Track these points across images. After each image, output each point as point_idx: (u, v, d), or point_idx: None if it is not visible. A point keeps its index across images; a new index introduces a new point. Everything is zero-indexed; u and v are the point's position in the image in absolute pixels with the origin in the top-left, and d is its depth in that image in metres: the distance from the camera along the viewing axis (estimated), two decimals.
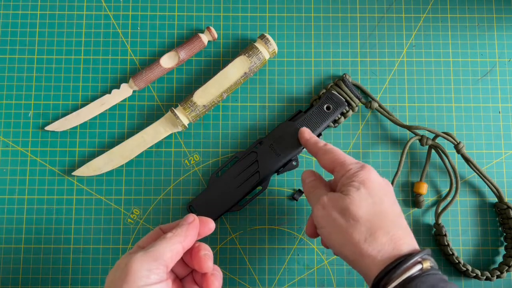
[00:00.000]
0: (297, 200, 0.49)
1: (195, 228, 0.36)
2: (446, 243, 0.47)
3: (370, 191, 0.37)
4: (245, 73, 0.48)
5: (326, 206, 0.38)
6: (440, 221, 0.48)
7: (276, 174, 0.48)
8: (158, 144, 0.50)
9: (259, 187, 0.47)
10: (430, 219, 0.49)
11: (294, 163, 0.47)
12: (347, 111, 0.49)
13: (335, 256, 0.48)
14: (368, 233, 0.35)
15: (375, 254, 0.34)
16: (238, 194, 0.46)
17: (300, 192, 0.49)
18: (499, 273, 0.46)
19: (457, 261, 0.46)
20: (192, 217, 0.37)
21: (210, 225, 0.38)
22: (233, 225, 0.49)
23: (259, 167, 0.46)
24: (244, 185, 0.46)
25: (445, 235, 0.47)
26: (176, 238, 0.35)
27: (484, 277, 0.46)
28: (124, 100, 0.50)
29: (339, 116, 0.49)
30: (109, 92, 0.50)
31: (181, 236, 0.35)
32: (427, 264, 0.34)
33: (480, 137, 0.51)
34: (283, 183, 0.50)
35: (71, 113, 0.49)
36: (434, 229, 0.48)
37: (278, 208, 0.49)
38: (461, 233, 0.49)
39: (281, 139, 0.46)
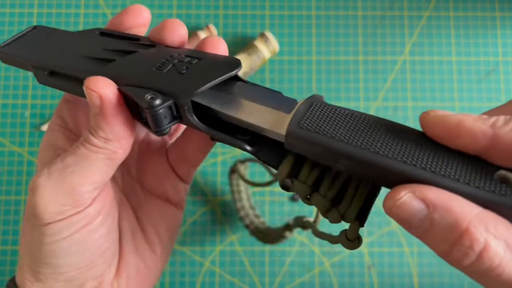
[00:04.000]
0: (297, 201, 0.48)
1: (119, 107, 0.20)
2: None
3: None
4: (245, 72, 0.48)
5: None
6: None
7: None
8: None
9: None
10: None
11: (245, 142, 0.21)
12: None
13: (336, 258, 0.48)
14: None
15: None
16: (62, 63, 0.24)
17: None
18: None
19: None
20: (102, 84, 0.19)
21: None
22: (233, 227, 0.48)
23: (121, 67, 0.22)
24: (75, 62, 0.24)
25: None
26: (99, 151, 0.21)
27: None
28: None
29: None
30: None
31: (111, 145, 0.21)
32: None
33: None
34: None
35: None
36: None
37: (278, 209, 0.49)
38: None
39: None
